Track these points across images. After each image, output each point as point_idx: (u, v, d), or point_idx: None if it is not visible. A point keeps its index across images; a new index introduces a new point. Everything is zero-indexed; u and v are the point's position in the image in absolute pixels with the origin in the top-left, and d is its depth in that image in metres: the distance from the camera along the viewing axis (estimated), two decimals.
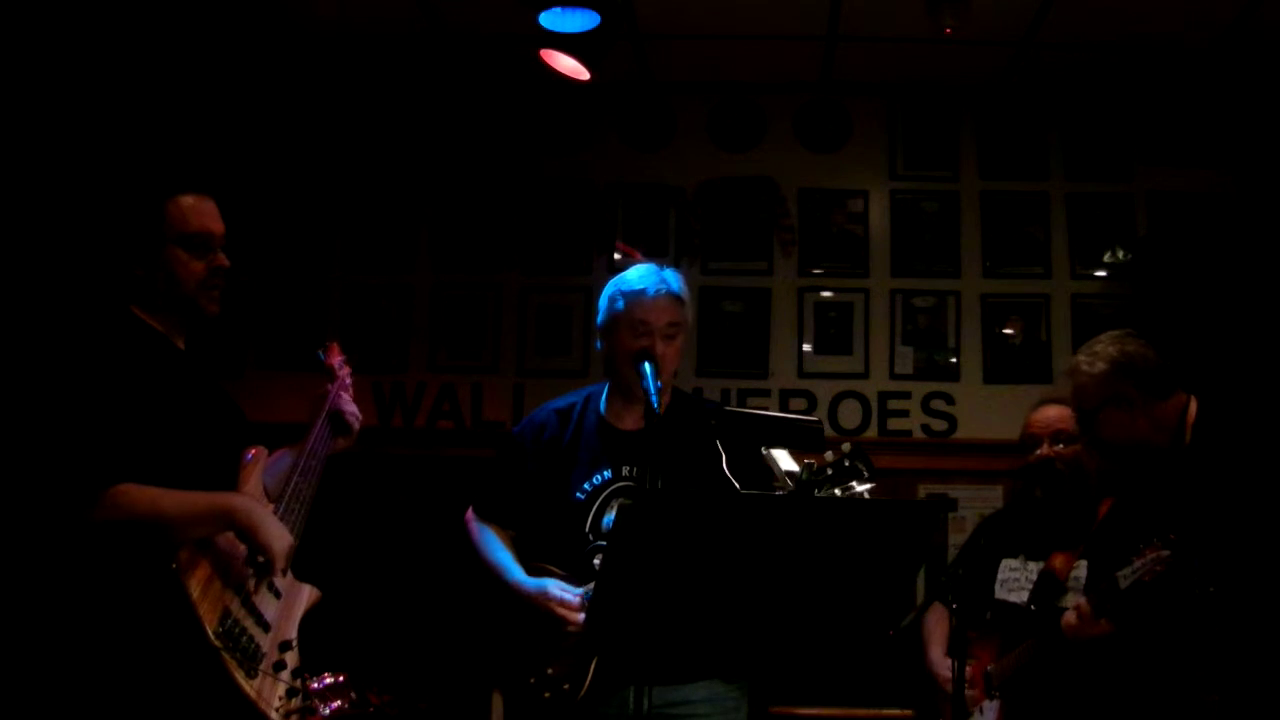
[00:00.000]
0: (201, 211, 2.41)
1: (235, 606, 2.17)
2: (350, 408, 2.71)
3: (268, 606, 2.27)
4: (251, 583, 2.24)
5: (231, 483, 2.36)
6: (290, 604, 2.36)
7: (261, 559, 2.21)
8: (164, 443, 2.23)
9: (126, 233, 2.38)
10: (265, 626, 2.23)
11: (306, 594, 2.38)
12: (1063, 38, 4.62)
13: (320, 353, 2.85)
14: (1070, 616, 2.99)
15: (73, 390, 2.18)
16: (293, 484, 2.45)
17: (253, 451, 2.45)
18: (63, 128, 4.48)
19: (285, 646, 2.26)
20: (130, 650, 2.09)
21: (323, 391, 2.70)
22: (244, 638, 2.14)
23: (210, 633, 2.06)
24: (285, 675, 2.19)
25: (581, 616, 2.71)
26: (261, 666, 2.14)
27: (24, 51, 4.29)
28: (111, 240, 2.40)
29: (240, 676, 2.07)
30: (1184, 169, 5.06)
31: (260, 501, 2.38)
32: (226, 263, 2.43)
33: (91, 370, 2.20)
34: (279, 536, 2.24)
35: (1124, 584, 2.94)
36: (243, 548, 2.22)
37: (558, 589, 2.76)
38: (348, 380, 2.77)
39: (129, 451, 2.15)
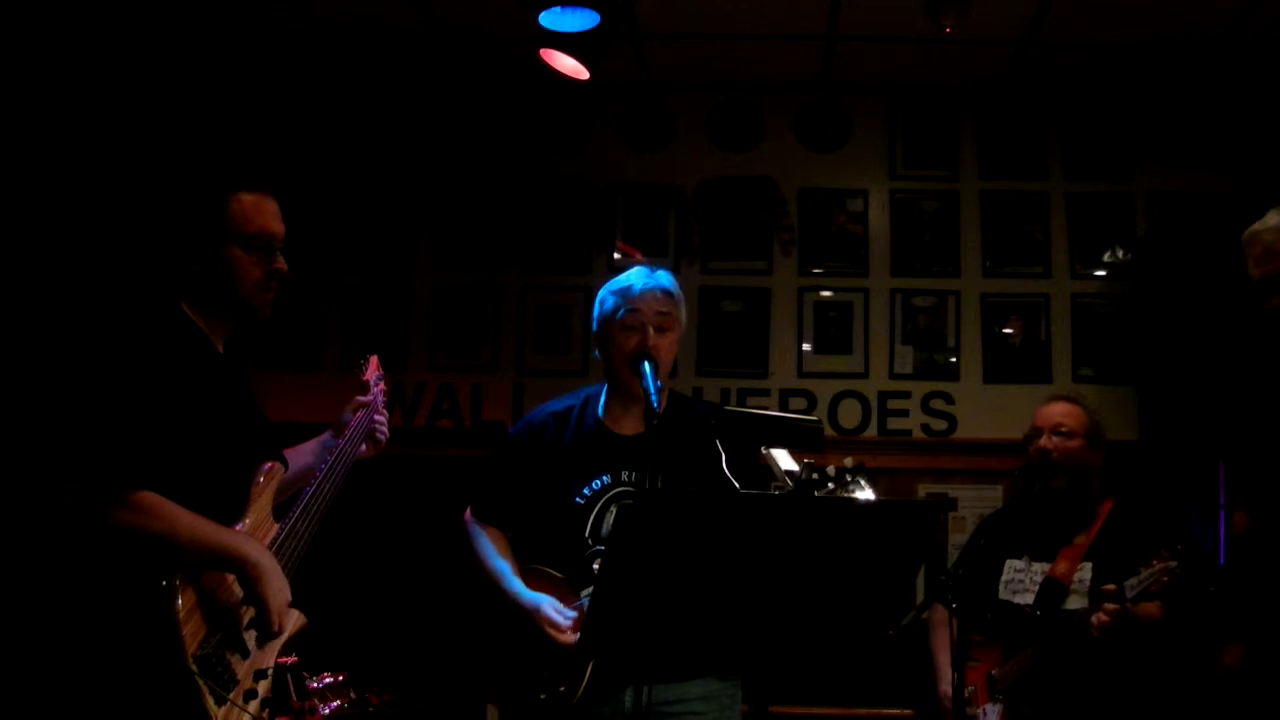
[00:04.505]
0: (263, 211, 2.38)
1: (219, 631, 2.14)
2: (382, 428, 2.69)
3: (251, 633, 2.23)
4: (241, 615, 2.21)
5: (243, 493, 2.32)
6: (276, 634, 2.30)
7: (257, 618, 2.19)
8: (187, 446, 2.20)
9: (186, 227, 2.34)
10: (245, 653, 2.20)
11: (293, 621, 2.33)
12: (1063, 38, 4.62)
13: (360, 364, 2.82)
14: (1102, 616, 3.02)
15: (112, 382, 2.15)
16: (306, 499, 2.42)
17: (268, 466, 2.39)
18: (65, 125, 4.48)
19: (260, 675, 2.22)
20: (106, 656, 2.07)
21: (357, 405, 2.67)
22: (220, 665, 2.11)
23: (189, 655, 2.04)
24: (253, 706, 2.16)
25: (571, 638, 2.71)
26: (231, 695, 2.10)
27: (30, 50, 4.30)
28: (170, 233, 2.35)
29: (210, 703, 2.04)
30: (1184, 169, 5.06)
31: (267, 522, 2.35)
32: (285, 266, 2.40)
33: (133, 366, 2.18)
34: (278, 592, 2.19)
35: (1130, 593, 2.98)
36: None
37: (551, 609, 2.76)
38: (382, 399, 2.74)
39: (156, 452, 2.12)
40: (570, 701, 2.68)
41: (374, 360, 2.85)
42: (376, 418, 2.69)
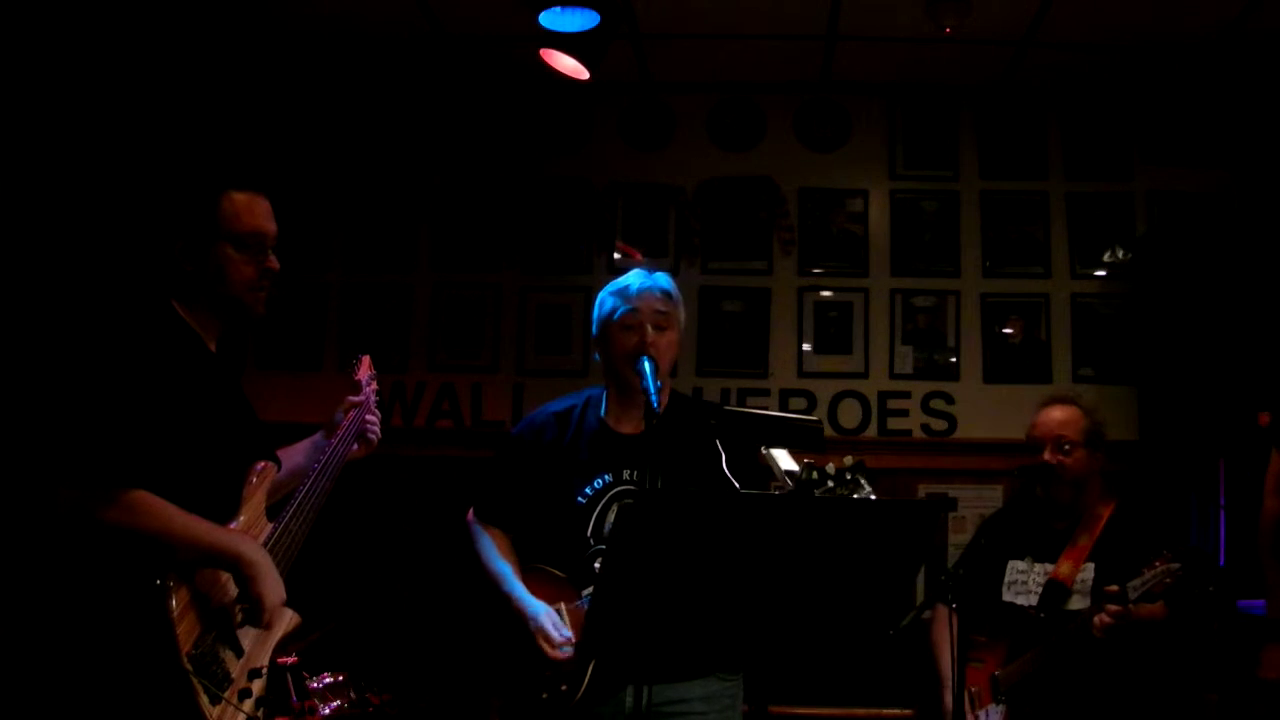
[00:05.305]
0: (255, 210, 2.38)
1: (213, 630, 2.15)
2: (373, 428, 2.69)
3: (245, 632, 2.23)
4: (234, 614, 2.21)
5: (237, 492, 2.33)
6: (268, 630, 2.30)
7: (249, 608, 2.19)
8: (180, 446, 2.20)
9: (177, 226, 2.34)
10: (239, 652, 2.20)
11: (286, 619, 2.33)
12: (1063, 38, 4.62)
13: (352, 363, 2.82)
14: (1105, 617, 3.03)
15: (105, 381, 2.16)
16: (300, 498, 2.42)
17: (261, 465, 2.40)
18: (58, 124, 4.48)
19: (254, 674, 2.22)
20: (100, 656, 2.08)
21: (350, 405, 2.68)
22: (215, 664, 2.12)
23: (183, 654, 2.04)
24: (248, 705, 2.16)
25: (562, 654, 2.70)
26: (226, 694, 2.11)
27: (35, 49, 4.30)
28: (162, 232, 2.36)
29: (204, 701, 2.05)
30: (1184, 168, 5.06)
31: (261, 521, 2.35)
32: (277, 265, 2.40)
33: (125, 365, 2.18)
34: (272, 590, 2.20)
35: (1133, 595, 2.99)
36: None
37: (549, 622, 2.75)
38: (374, 399, 2.74)
39: (149, 451, 2.13)
40: (572, 701, 2.68)
41: (366, 360, 2.84)
42: (368, 418, 2.69)
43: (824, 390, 5.10)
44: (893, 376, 5.10)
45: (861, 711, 4.50)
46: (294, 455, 2.62)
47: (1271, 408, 3.32)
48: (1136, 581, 3.01)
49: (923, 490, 4.90)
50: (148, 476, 2.11)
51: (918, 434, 5.05)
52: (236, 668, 2.18)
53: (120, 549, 2.10)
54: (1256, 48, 4.57)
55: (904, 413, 5.06)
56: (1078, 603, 3.23)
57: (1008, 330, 5.09)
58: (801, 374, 5.13)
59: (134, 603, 2.07)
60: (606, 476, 2.87)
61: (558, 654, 2.71)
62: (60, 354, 2.24)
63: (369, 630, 4.55)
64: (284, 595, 2.25)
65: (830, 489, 2.14)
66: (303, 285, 5.15)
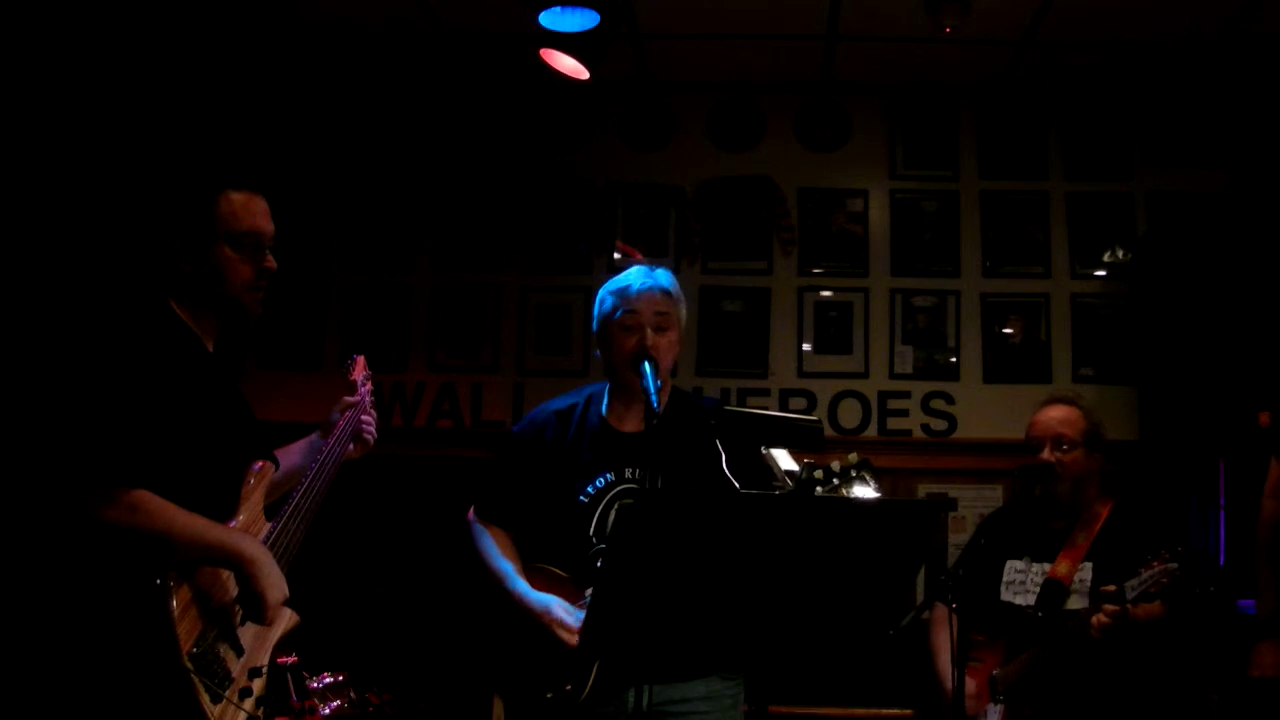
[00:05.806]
0: (253, 210, 2.38)
1: (213, 629, 2.15)
2: (369, 429, 2.70)
3: (245, 631, 2.24)
4: (234, 613, 2.21)
5: (235, 491, 2.33)
6: (268, 629, 2.30)
7: (249, 608, 2.19)
8: (179, 446, 2.20)
9: (175, 226, 2.34)
10: (239, 651, 2.20)
11: (285, 618, 2.33)
12: (1063, 38, 4.62)
13: (347, 364, 2.83)
14: (1102, 617, 3.03)
15: (104, 380, 2.16)
16: (297, 498, 2.42)
17: (259, 465, 2.40)
18: (56, 122, 4.48)
19: (255, 673, 2.22)
20: (101, 655, 2.08)
21: (345, 405, 2.69)
22: (216, 662, 2.12)
23: (184, 653, 2.04)
24: (248, 704, 2.16)
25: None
26: (227, 693, 2.11)
27: (35, 48, 4.30)
28: (159, 232, 2.36)
29: (205, 700, 2.05)
30: (1184, 169, 5.06)
31: (259, 521, 2.36)
32: (274, 265, 2.40)
33: (123, 365, 2.18)
34: (275, 587, 2.20)
35: (1130, 595, 3.00)
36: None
37: (561, 610, 2.75)
38: (369, 399, 2.75)
39: (148, 451, 2.13)
40: (577, 700, 2.68)
41: (361, 360, 2.85)
42: (364, 418, 2.70)
43: (824, 390, 5.10)
44: (893, 376, 5.10)
45: (861, 711, 4.50)
46: (290, 455, 2.62)
47: (1271, 408, 3.32)
48: (1134, 581, 3.01)
49: (923, 490, 4.90)
50: (148, 476, 2.12)
51: (918, 434, 5.05)
52: (237, 666, 2.18)
53: (121, 549, 2.10)
54: (1256, 48, 4.57)
55: (904, 413, 5.06)
56: (1076, 602, 3.23)
57: (1008, 330, 5.09)
58: (801, 374, 5.13)
59: (135, 602, 2.07)
60: (608, 475, 2.87)
61: (577, 639, 2.69)
62: (59, 354, 2.23)
63: (369, 630, 4.56)
64: (286, 593, 2.25)
65: (835, 486, 2.14)
66: (302, 285, 5.15)
